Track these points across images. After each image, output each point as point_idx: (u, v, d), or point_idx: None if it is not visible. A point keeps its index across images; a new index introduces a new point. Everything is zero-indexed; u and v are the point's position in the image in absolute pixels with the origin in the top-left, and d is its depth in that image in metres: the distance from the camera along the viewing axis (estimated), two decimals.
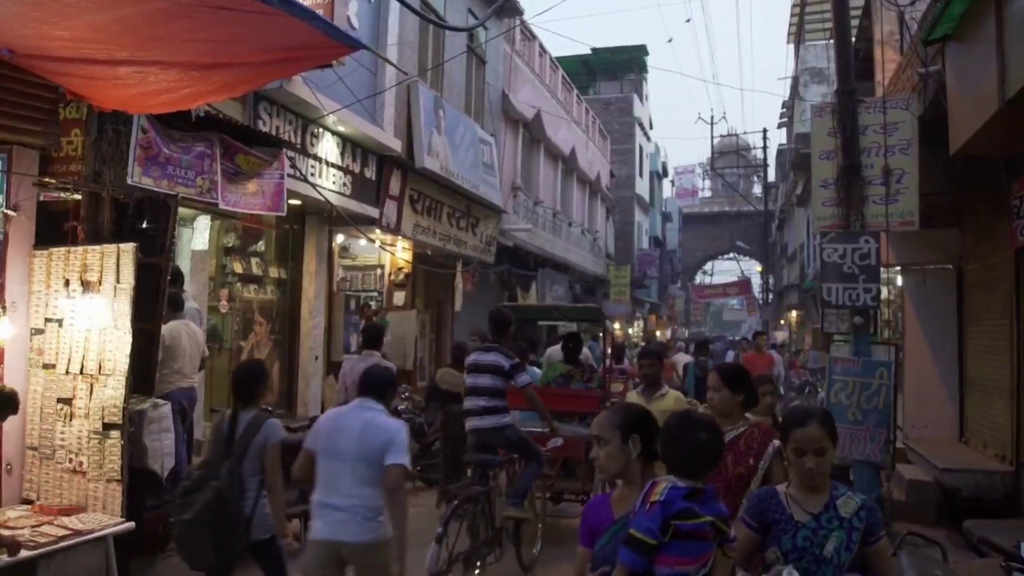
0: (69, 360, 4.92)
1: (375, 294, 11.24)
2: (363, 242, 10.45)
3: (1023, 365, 6.74)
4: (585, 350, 9.00)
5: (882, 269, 7.64)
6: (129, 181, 5.39)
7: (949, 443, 8.28)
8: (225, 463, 3.91)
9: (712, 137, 32.29)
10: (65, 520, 4.48)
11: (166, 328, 5.87)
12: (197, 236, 7.75)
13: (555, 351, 8.86)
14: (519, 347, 7.31)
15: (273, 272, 9.35)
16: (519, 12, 15.65)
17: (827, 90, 18.90)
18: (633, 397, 5.27)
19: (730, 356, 17.76)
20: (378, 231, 10.33)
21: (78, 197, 5.28)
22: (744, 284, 37.79)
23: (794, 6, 22.58)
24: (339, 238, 10.22)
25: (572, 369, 7.71)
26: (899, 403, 8.07)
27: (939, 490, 7.21)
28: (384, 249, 10.83)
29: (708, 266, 49.90)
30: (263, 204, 6.93)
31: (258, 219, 8.44)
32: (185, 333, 6.25)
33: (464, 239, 13.09)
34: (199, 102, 5.44)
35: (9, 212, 5.02)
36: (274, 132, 7.85)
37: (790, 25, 24.62)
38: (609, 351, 9.15)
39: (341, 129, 9.10)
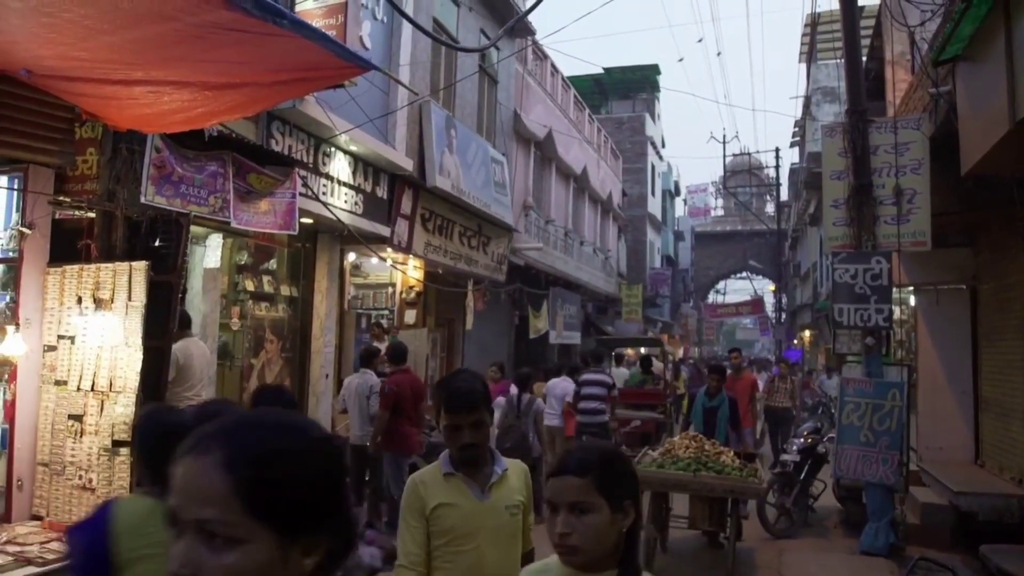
0: (80, 377, 4.95)
1: (386, 312, 11.27)
2: (374, 260, 10.49)
3: None
4: (658, 363, 14.57)
5: (895, 289, 7.60)
6: (142, 199, 5.44)
7: (964, 466, 8.16)
8: (521, 420, 7.97)
9: (724, 156, 32.29)
10: None
11: (179, 347, 5.91)
12: (209, 254, 7.80)
13: (620, 371, 14.25)
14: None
15: (284, 290, 9.39)
16: (531, 32, 15.77)
17: (839, 109, 18.89)
18: None
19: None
20: (389, 250, 10.36)
21: (92, 215, 5.35)
22: (757, 303, 37.62)
23: (805, 26, 22.64)
24: (350, 256, 10.26)
25: (646, 377, 13.45)
26: (912, 425, 8.00)
27: (954, 514, 7.10)
28: (395, 268, 10.87)
29: (721, 285, 49.74)
30: (275, 223, 6.98)
31: (270, 237, 8.50)
32: (196, 351, 6.28)
33: (475, 258, 13.12)
34: (212, 121, 5.50)
35: (24, 230, 5.09)
36: (286, 151, 7.91)
37: (801, 44, 24.69)
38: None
39: (353, 148, 9.17)
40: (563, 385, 9.76)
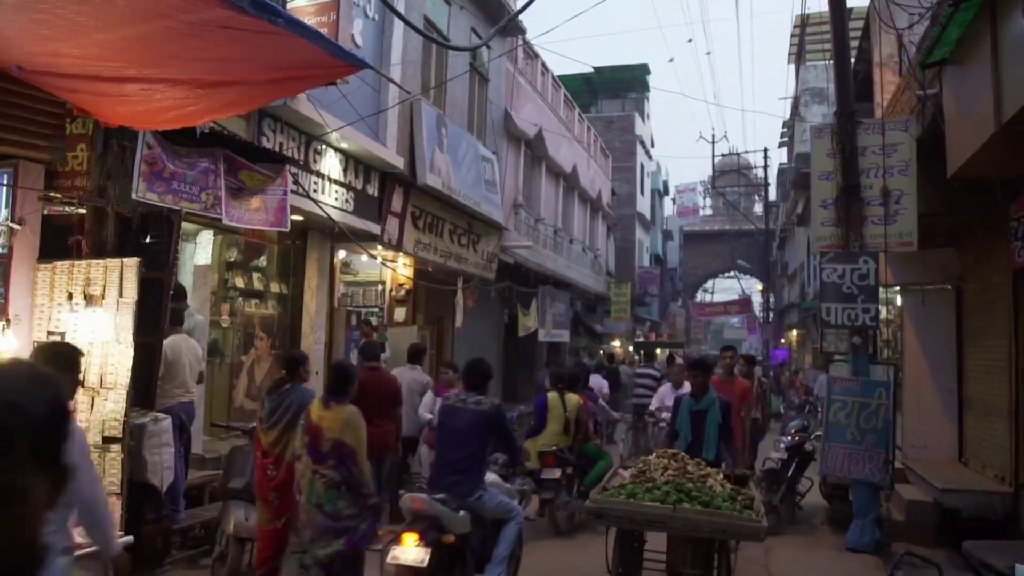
0: None
1: (376, 310, 11.27)
2: (364, 258, 10.49)
3: (1022, 386, 6.75)
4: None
5: (881, 289, 7.68)
6: (133, 196, 5.44)
7: (948, 463, 8.26)
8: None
9: (713, 156, 32.39)
10: None
11: (167, 343, 5.90)
12: (200, 251, 7.79)
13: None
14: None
15: (275, 287, 9.38)
16: (522, 32, 15.78)
17: (828, 110, 19.01)
18: None
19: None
20: (380, 247, 10.36)
21: (83, 211, 5.34)
22: (745, 302, 37.79)
23: (795, 27, 22.76)
24: (341, 254, 10.26)
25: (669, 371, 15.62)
26: (898, 423, 8.08)
27: (938, 510, 7.20)
28: (385, 265, 10.87)
29: (709, 284, 49.88)
30: (266, 220, 6.98)
31: (260, 234, 8.49)
32: (185, 348, 6.27)
33: (465, 256, 13.14)
34: (205, 119, 5.50)
35: (14, 226, 5.07)
36: (278, 149, 7.90)
37: (791, 46, 24.82)
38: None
39: (344, 146, 9.17)
40: (597, 382, 12.20)
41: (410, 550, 4.54)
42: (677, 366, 10.16)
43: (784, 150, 31.79)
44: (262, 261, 9.35)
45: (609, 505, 4.71)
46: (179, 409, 6.09)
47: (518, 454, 6.05)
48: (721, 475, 5.17)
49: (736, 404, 7.39)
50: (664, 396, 9.70)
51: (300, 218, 8.53)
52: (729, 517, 4.52)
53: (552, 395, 7.89)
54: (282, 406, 5.02)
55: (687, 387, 7.48)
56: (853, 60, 9.93)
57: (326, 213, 8.40)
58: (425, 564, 4.49)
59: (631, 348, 28.24)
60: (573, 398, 7.88)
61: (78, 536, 4.46)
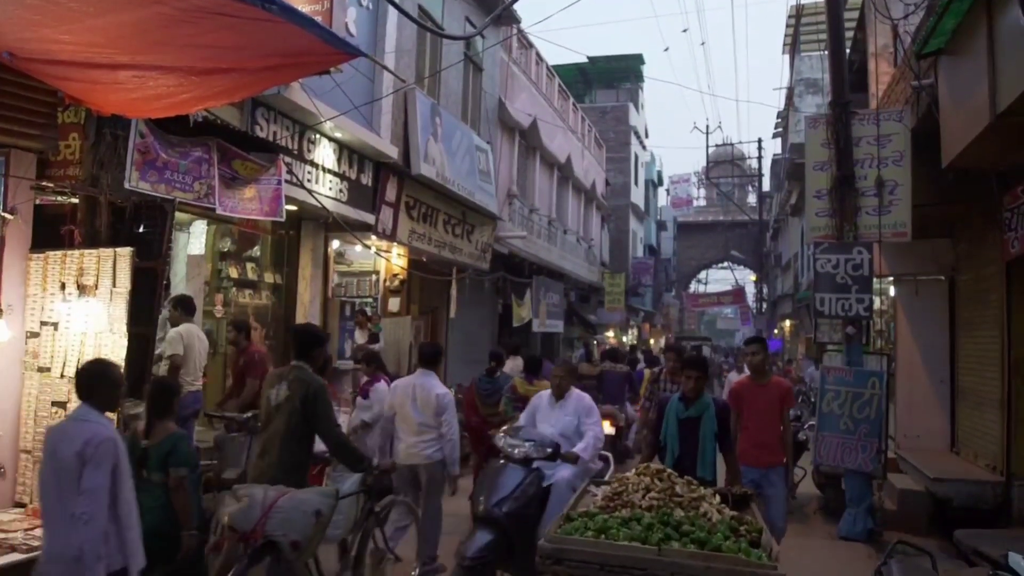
0: (64, 363, 4.93)
1: (370, 300, 11.25)
2: (359, 248, 10.45)
3: (1014, 376, 6.79)
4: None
5: (875, 279, 7.70)
6: (126, 185, 5.40)
7: (940, 453, 8.32)
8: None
9: (707, 146, 32.43)
10: None
11: (182, 329, 5.92)
12: (193, 241, 7.75)
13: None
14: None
15: (268, 277, 9.35)
16: (516, 21, 15.72)
17: (822, 100, 19.00)
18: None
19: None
20: (374, 237, 10.33)
21: (75, 201, 5.31)
22: (738, 293, 37.89)
23: (789, 17, 22.72)
24: (335, 244, 10.22)
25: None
26: (891, 413, 8.12)
27: (930, 500, 7.25)
28: (380, 255, 10.84)
29: (702, 275, 49.98)
30: (260, 209, 6.94)
31: (254, 224, 8.45)
32: (197, 336, 6.30)
33: (459, 246, 13.12)
34: (198, 107, 5.46)
35: (6, 215, 5.04)
36: (271, 138, 7.85)
37: (785, 36, 24.79)
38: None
39: (338, 135, 9.12)
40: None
41: (607, 427, 8.28)
42: (561, 367, 6.02)
43: (778, 140, 31.81)
44: (256, 251, 9.32)
45: (572, 546, 3.39)
46: (189, 398, 6.10)
47: (638, 393, 10.35)
48: (717, 496, 4.06)
49: (777, 409, 6.10)
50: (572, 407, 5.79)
51: (294, 208, 8.49)
52: (732, 562, 3.30)
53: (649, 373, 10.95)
54: (495, 388, 7.96)
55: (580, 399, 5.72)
56: (848, 50, 9.93)
57: (320, 203, 8.37)
58: (614, 433, 9.51)
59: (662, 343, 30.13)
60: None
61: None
